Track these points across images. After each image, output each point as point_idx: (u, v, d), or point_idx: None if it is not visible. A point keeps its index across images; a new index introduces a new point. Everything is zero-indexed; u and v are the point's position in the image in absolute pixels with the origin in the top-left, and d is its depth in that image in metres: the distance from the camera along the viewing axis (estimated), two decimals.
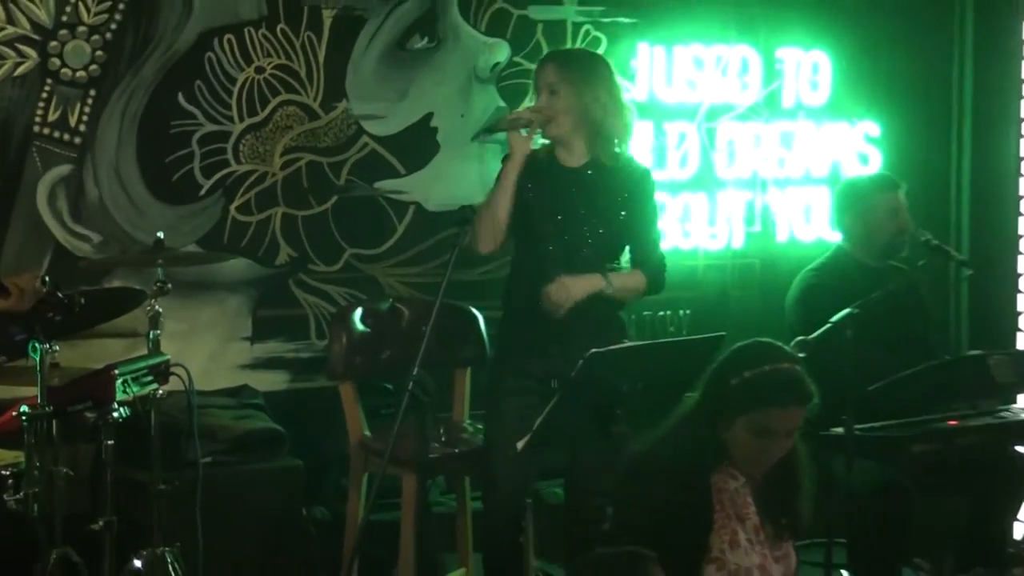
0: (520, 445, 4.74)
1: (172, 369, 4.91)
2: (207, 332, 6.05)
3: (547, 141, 5.07)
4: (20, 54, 5.71)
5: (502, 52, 6.43)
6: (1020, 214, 7.32)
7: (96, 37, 5.83)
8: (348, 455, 5.66)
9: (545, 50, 6.52)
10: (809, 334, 5.12)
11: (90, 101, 5.83)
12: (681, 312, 6.75)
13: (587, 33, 6.69)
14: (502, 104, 5.67)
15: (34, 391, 4.42)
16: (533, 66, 5.73)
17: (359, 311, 5.81)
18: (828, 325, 5.09)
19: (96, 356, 4.98)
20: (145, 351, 4.94)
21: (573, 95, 4.99)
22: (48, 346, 4.46)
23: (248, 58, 6.10)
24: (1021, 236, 7.30)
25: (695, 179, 6.88)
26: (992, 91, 7.37)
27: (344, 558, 5.52)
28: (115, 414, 4.66)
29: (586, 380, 4.58)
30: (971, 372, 5.46)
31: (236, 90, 6.09)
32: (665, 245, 6.68)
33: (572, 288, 4.93)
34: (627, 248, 5.22)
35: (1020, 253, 7.31)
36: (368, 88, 6.30)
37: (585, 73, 5.07)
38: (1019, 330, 7.27)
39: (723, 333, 5.19)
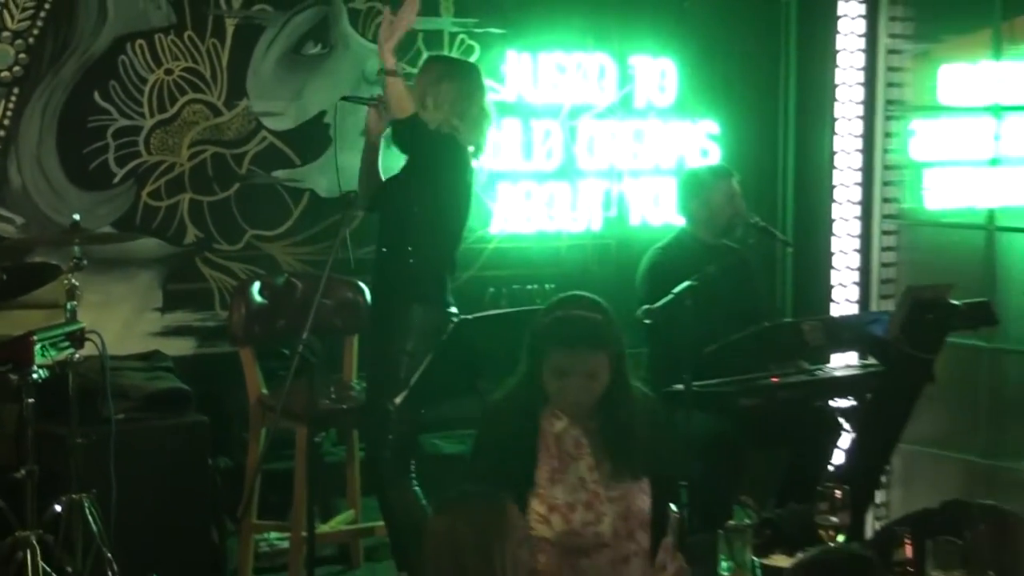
0: (398, 400, 4.80)
1: (87, 336, 4.88)
2: (121, 303, 6.02)
3: None
4: None
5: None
6: (834, 201, 7.38)
7: (19, 41, 5.79)
8: (248, 411, 5.66)
9: (424, 56, 6.52)
10: (655, 303, 5.19)
11: (14, 98, 5.80)
12: (547, 286, 6.71)
13: (462, 42, 6.69)
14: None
15: None
16: (414, 70, 5.87)
17: (257, 284, 5.80)
18: (670, 295, 5.13)
19: (19, 325, 4.89)
20: (63, 320, 4.91)
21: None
22: None
23: (158, 61, 6.08)
24: (834, 220, 7.35)
25: (559, 170, 6.91)
26: (812, 94, 7.44)
27: (245, 504, 5.53)
28: (35, 375, 4.65)
29: (455, 343, 4.66)
30: (788, 336, 5.50)
31: (147, 89, 6.07)
32: (532, 228, 6.87)
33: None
34: None
35: (834, 235, 7.38)
36: (267, 88, 6.30)
37: (421, 74, 5.30)
38: (833, 301, 7.35)
39: None
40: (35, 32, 5.84)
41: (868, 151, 7.47)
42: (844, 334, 5.69)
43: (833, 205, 7.43)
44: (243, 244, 6.31)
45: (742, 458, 5.46)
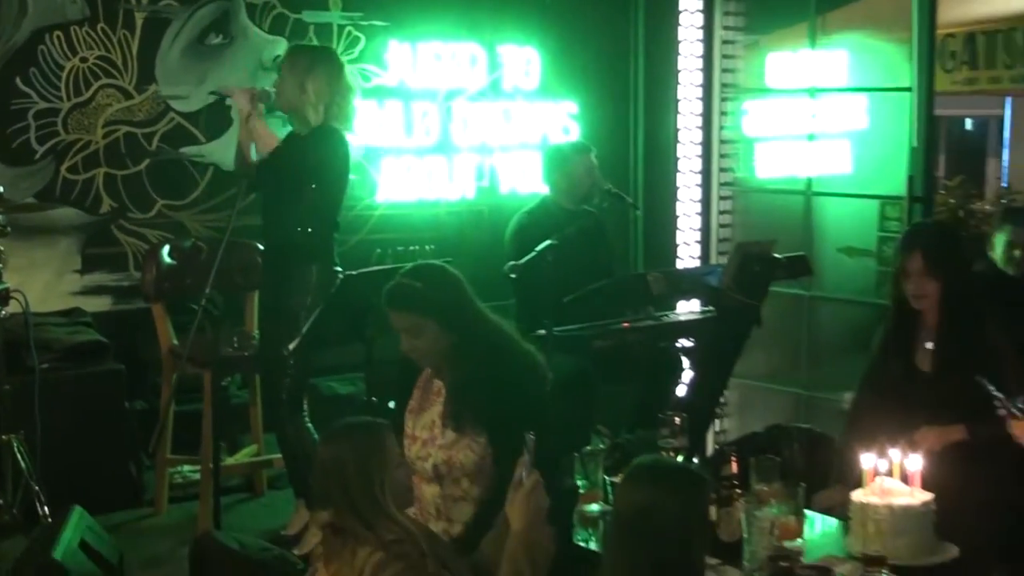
0: (291, 346, 4.80)
1: (12, 295, 4.87)
2: (44, 266, 5.96)
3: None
4: None
5: (281, 47, 6.35)
6: (677, 171, 7.43)
7: None
8: (160, 360, 5.62)
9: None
10: (520, 260, 5.21)
11: None
12: (427, 247, 6.67)
13: (349, 33, 6.67)
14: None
15: None
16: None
17: (167, 248, 5.74)
18: (533, 253, 5.15)
19: None
20: None
21: (283, 81, 5.08)
22: None
23: (74, 50, 6.01)
24: (678, 187, 7.42)
25: (437, 146, 6.92)
26: (657, 79, 7.47)
27: (158, 440, 5.45)
28: None
29: (342, 295, 4.66)
30: (636, 286, 5.49)
31: (64, 75, 6.01)
32: (413, 196, 6.87)
33: None
34: None
35: (678, 200, 7.44)
36: (174, 74, 6.25)
37: (292, 65, 5.12)
38: (678, 256, 7.42)
39: (448, 259, 5.29)
40: None
41: (706, 128, 7.55)
42: (684, 284, 5.72)
43: (677, 174, 7.50)
44: (154, 212, 6.26)
45: (597, 392, 5.51)
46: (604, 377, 5.49)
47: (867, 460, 3.59)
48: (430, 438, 3.65)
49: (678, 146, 7.49)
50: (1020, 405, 3.74)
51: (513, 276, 5.29)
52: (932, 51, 6.43)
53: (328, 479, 3.08)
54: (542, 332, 5.03)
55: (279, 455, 5.41)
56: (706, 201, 7.58)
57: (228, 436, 5.99)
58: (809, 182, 7.06)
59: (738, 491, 3.53)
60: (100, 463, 5.47)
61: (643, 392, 5.71)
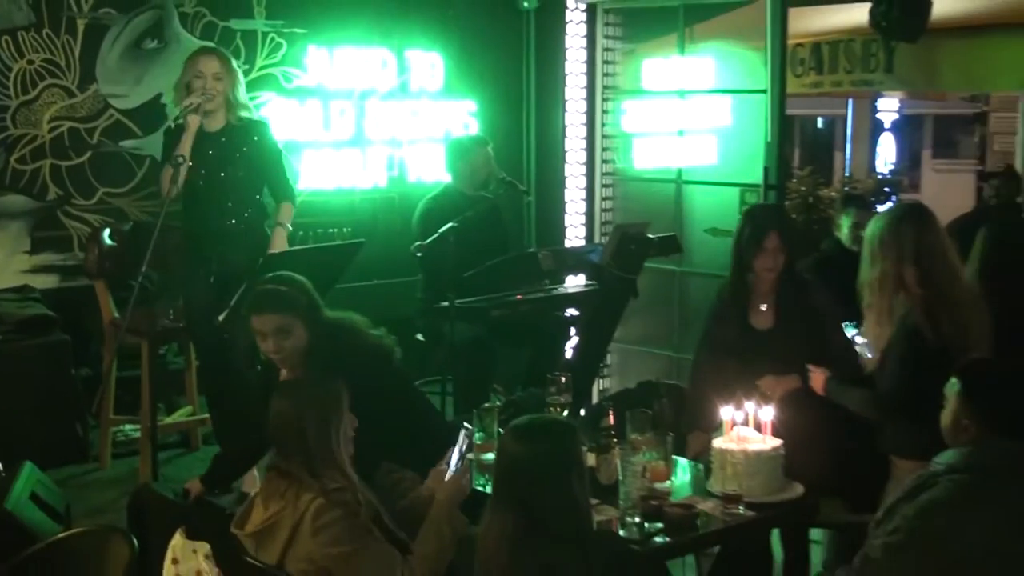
0: (220, 318, 4.75)
1: None
2: None
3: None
4: None
5: None
6: (565, 162, 7.44)
7: None
8: (103, 331, 5.56)
9: (243, 51, 6.46)
10: (426, 240, 5.23)
11: None
12: (344, 230, 6.72)
13: (272, 39, 6.60)
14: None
15: None
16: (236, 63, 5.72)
17: (108, 231, 5.67)
18: (437, 234, 5.17)
19: None
20: None
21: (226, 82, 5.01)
22: None
23: (21, 53, 5.91)
24: (566, 176, 7.43)
25: (352, 139, 6.86)
26: (547, 81, 7.48)
27: (102, 403, 5.46)
28: None
29: (265, 271, 4.62)
30: (528, 262, 5.52)
31: (12, 76, 5.90)
32: (332, 185, 6.79)
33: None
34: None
35: (566, 187, 7.45)
36: (113, 75, 6.15)
37: (230, 65, 5.10)
38: (566, 237, 7.44)
39: (362, 240, 5.29)
40: None
41: (590, 124, 7.57)
42: (570, 261, 5.76)
43: (564, 165, 7.51)
44: (96, 199, 6.16)
45: (495, 355, 5.53)
46: (500, 342, 5.52)
47: (726, 412, 3.64)
48: None
49: (565, 140, 7.49)
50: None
51: (420, 255, 5.31)
52: (784, 58, 6.52)
53: (286, 428, 3.05)
54: (446, 304, 5.08)
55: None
56: (590, 188, 7.61)
57: (166, 398, 5.96)
58: (679, 172, 7.12)
59: (615, 440, 3.57)
60: (49, 423, 5.41)
61: (534, 355, 5.71)
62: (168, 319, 5.40)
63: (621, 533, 3.25)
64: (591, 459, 3.48)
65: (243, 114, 5.08)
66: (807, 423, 3.88)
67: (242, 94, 5.11)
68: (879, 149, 15.01)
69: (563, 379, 4.08)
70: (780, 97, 6.47)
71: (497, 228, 5.99)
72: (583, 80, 7.52)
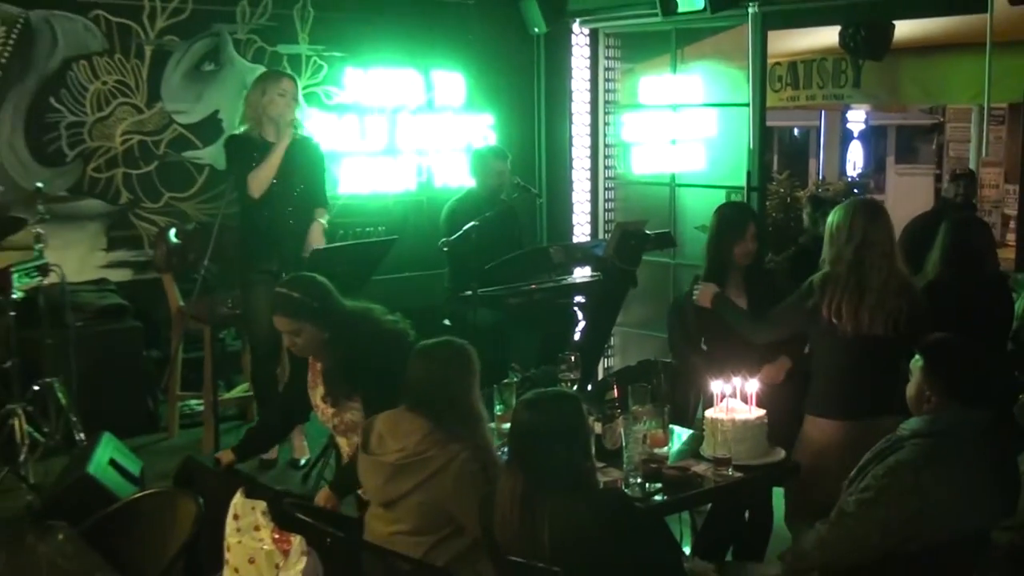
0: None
1: (51, 268, 4.81)
2: (76, 245, 5.87)
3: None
4: None
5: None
6: (572, 168, 7.46)
7: None
8: (171, 318, 5.58)
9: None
10: (451, 237, 5.22)
11: None
12: (379, 228, 6.70)
13: (314, 62, 6.59)
14: None
15: None
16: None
17: (173, 230, 5.69)
18: (461, 232, 5.16)
19: (2, 263, 4.73)
20: (33, 258, 4.82)
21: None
22: None
23: (96, 75, 5.91)
24: (573, 181, 7.45)
25: (385, 149, 6.84)
26: (555, 97, 7.47)
27: (170, 380, 5.53)
28: (14, 296, 4.58)
29: (312, 266, 4.63)
30: (540, 256, 5.55)
31: (89, 95, 5.90)
32: (367, 189, 6.78)
33: None
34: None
35: (573, 191, 7.46)
36: (176, 94, 6.15)
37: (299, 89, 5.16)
38: (573, 234, 7.45)
39: (395, 237, 5.30)
40: (6, 55, 5.65)
41: (594, 135, 7.60)
42: (577, 254, 5.73)
43: (572, 171, 7.52)
44: (162, 203, 6.16)
45: (512, 338, 5.48)
46: (517, 326, 5.47)
47: (716, 386, 3.64)
48: (325, 407, 3.62)
49: (572, 149, 7.50)
50: None
51: (446, 249, 5.30)
52: (764, 75, 6.52)
53: (434, 389, 3.06)
54: (469, 292, 5.06)
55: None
56: (594, 191, 7.63)
57: (225, 376, 5.98)
58: (673, 176, 7.14)
59: (618, 411, 3.57)
60: (124, 399, 5.46)
61: (547, 337, 5.66)
62: (226, 307, 5.39)
63: (625, 492, 3.26)
64: (598, 428, 3.49)
65: (299, 131, 5.10)
66: (787, 396, 3.89)
67: (300, 114, 5.14)
68: (849, 155, 14.97)
69: (572, 358, 4.07)
70: (761, 110, 6.47)
71: (513, 226, 5.96)
72: (587, 96, 7.54)
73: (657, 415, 3.51)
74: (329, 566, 2.82)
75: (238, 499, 3.02)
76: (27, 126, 5.71)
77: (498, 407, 3.79)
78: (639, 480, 3.31)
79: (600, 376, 6.09)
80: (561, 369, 4.04)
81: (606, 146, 7.61)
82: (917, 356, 3.05)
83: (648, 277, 6.20)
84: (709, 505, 3.87)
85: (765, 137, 6.75)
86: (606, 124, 7.58)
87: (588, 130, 7.58)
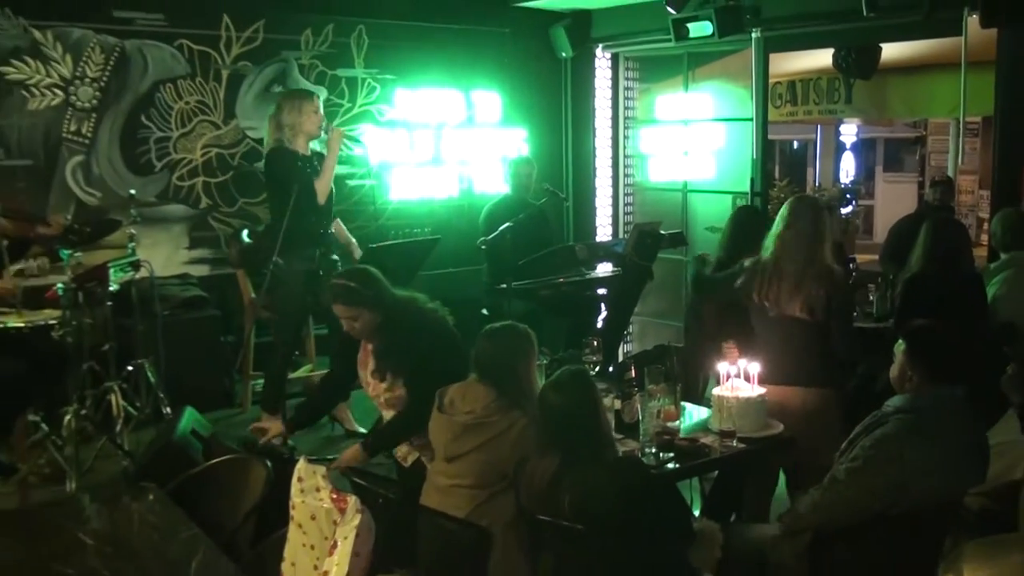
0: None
1: (142, 264, 4.86)
2: (164, 244, 5.93)
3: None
4: (54, 93, 5.53)
5: (323, 94, 6.32)
6: (596, 176, 7.48)
7: (95, 84, 5.66)
8: (244, 308, 5.60)
9: (347, 93, 6.50)
10: (488, 237, 5.22)
11: (93, 119, 5.68)
12: (425, 229, 6.70)
13: (368, 83, 6.61)
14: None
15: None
16: (342, 102, 6.05)
17: (245, 231, 5.70)
18: (497, 232, 5.16)
19: (100, 259, 4.78)
20: (126, 255, 4.88)
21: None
22: (71, 252, 4.43)
23: (180, 96, 5.95)
24: (597, 187, 7.47)
25: (431, 160, 6.85)
26: (581, 113, 7.49)
27: (243, 362, 5.56)
28: (111, 288, 4.62)
29: (367, 261, 4.63)
30: (567, 253, 5.49)
31: (174, 113, 5.95)
32: (416, 195, 6.78)
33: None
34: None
35: (596, 196, 7.49)
36: (249, 112, 6.18)
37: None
38: (597, 234, 7.46)
39: (439, 237, 5.29)
40: (105, 78, 5.71)
41: (615, 147, 7.61)
42: (600, 252, 5.69)
43: (595, 179, 7.54)
44: (237, 208, 6.20)
45: (542, 325, 5.40)
46: (547, 315, 5.47)
47: (723, 367, 3.63)
48: (376, 383, 3.60)
49: (595, 159, 7.53)
50: None
51: (484, 248, 5.30)
52: (766, 93, 6.51)
53: (500, 364, 3.10)
54: (504, 286, 5.08)
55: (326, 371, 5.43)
56: (615, 196, 7.64)
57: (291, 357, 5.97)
58: (685, 184, 7.13)
59: (636, 389, 3.55)
60: (204, 378, 5.50)
61: (573, 324, 5.65)
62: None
63: (642, 460, 3.26)
64: (617, 404, 3.49)
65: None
66: None
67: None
68: (842, 164, 14.80)
69: (595, 343, 4.07)
70: (763, 124, 6.45)
71: (544, 227, 5.97)
72: (609, 112, 7.55)
73: (670, 393, 3.50)
74: (380, 523, 2.84)
75: (302, 464, 3.05)
76: (122, 141, 5.78)
77: None
78: (654, 450, 3.31)
79: (620, 359, 6.07)
80: (585, 352, 4.03)
81: (625, 157, 7.61)
82: (900, 340, 3.03)
83: (663, 272, 6.19)
84: (716, 472, 3.87)
85: (767, 148, 6.73)
86: (625, 137, 7.58)
87: (610, 143, 7.58)
